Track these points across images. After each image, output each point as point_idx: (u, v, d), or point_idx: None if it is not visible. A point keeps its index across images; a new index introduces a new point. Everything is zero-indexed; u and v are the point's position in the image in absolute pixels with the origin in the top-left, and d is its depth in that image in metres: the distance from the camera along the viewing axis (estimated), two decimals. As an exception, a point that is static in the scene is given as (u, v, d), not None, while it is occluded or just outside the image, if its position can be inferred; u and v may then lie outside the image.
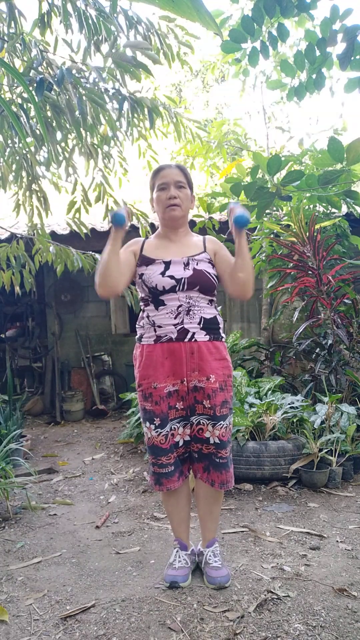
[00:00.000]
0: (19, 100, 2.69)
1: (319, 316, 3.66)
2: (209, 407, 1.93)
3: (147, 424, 1.98)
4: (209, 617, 1.76)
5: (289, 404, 3.35)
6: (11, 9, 2.65)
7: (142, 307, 2.03)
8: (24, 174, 3.36)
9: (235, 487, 3.07)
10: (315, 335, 3.98)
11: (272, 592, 1.90)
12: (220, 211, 4.30)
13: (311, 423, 3.19)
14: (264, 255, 4.34)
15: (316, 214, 4.07)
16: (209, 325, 1.96)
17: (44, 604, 1.92)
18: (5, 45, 2.58)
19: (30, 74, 2.46)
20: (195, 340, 1.92)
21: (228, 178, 3.59)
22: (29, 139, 2.99)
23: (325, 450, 3.10)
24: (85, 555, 2.34)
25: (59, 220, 5.80)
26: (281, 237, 3.99)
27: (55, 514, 2.87)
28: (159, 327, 1.93)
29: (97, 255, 3.93)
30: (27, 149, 3.18)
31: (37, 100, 2.08)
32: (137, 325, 2.06)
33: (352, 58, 2.39)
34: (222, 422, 1.94)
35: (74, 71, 2.53)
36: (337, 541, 2.34)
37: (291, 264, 3.80)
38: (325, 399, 3.26)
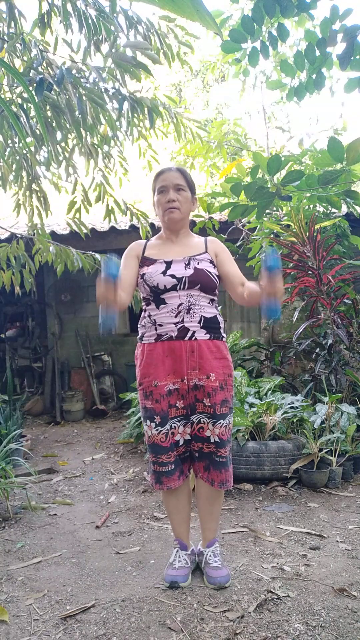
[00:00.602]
0: (19, 100, 2.69)
1: (319, 316, 3.66)
2: (209, 406, 1.93)
3: (148, 422, 1.98)
4: (209, 617, 1.76)
5: (289, 404, 3.35)
6: (11, 9, 2.65)
7: (143, 307, 2.04)
8: (24, 174, 3.36)
9: (235, 487, 3.07)
10: (315, 335, 3.98)
11: (272, 592, 1.90)
12: (220, 211, 4.29)
13: (311, 423, 3.19)
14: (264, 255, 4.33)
15: (316, 214, 4.07)
16: (210, 324, 1.96)
17: (44, 604, 1.92)
18: (5, 45, 2.58)
19: (30, 74, 2.46)
20: (196, 338, 1.93)
21: (228, 178, 3.59)
22: (29, 139, 2.99)
23: (325, 450, 3.10)
24: (85, 555, 2.34)
25: (59, 220, 5.80)
26: (281, 237, 3.99)
27: (55, 514, 2.87)
28: (160, 325, 1.94)
29: (97, 255, 3.93)
30: (27, 149, 3.18)
31: (37, 100, 2.08)
32: (138, 325, 2.07)
33: (352, 58, 2.39)
34: (221, 420, 1.95)
35: (74, 71, 2.53)
36: (337, 541, 2.34)
37: (291, 264, 3.80)
38: (325, 399, 3.26)
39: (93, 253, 3.96)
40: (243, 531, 2.49)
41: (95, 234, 5.49)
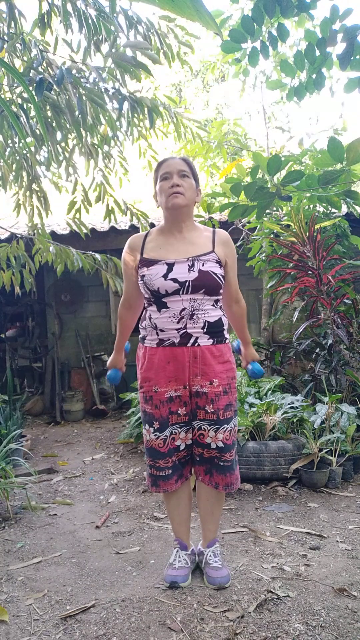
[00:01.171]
0: (19, 100, 2.69)
1: (319, 316, 3.66)
2: (212, 412, 1.89)
3: (147, 426, 1.97)
4: (209, 617, 1.76)
5: (289, 404, 3.35)
6: (11, 9, 2.65)
7: (145, 306, 1.99)
8: (24, 174, 3.36)
9: (235, 487, 3.07)
10: (315, 335, 3.98)
11: (272, 592, 1.90)
12: (220, 211, 4.29)
13: (311, 423, 3.19)
14: (264, 255, 4.34)
15: (316, 214, 4.07)
16: (213, 329, 1.90)
17: (44, 604, 1.92)
18: (5, 45, 2.58)
19: (30, 74, 2.46)
20: (199, 345, 1.87)
21: (228, 178, 3.59)
22: (29, 139, 2.99)
23: (325, 450, 3.10)
24: (85, 555, 2.34)
25: (59, 220, 5.80)
26: (281, 237, 3.99)
27: (55, 514, 2.87)
28: (162, 330, 1.88)
29: (97, 255, 3.93)
30: (27, 149, 3.18)
31: (37, 100, 2.08)
32: (140, 325, 2.03)
33: (352, 58, 2.39)
34: (225, 425, 1.91)
35: (74, 71, 2.53)
36: (337, 541, 2.34)
37: (291, 264, 3.80)
38: (325, 399, 3.26)
39: (93, 253, 3.96)
40: (243, 531, 2.49)
41: (95, 234, 5.49)
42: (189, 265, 1.85)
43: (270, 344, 5.16)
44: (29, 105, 2.73)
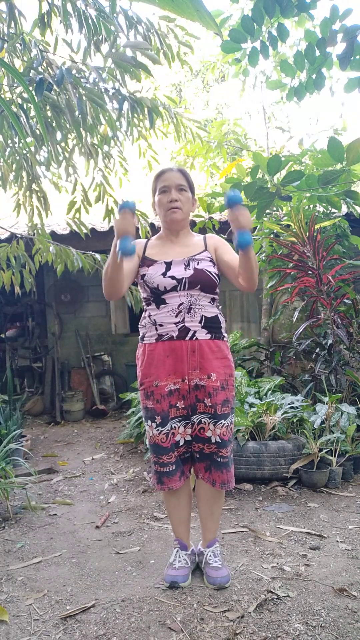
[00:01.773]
0: (19, 100, 2.69)
1: (319, 316, 3.66)
2: (210, 406, 1.93)
3: (149, 422, 1.98)
4: (209, 617, 1.76)
5: (289, 404, 3.35)
6: (11, 9, 2.64)
7: (144, 307, 2.04)
8: (24, 174, 3.36)
9: (235, 487, 3.07)
10: (315, 335, 3.98)
11: (272, 592, 1.90)
12: (220, 211, 4.30)
13: (311, 423, 3.19)
14: (264, 255, 4.34)
15: (316, 214, 4.08)
16: (210, 324, 1.96)
17: (44, 604, 1.92)
18: (5, 45, 2.58)
19: (30, 74, 2.46)
20: (197, 338, 1.93)
21: (228, 178, 3.59)
22: (29, 139, 2.99)
23: (325, 450, 3.10)
24: (85, 555, 2.34)
25: (59, 220, 5.80)
26: (281, 237, 3.99)
27: (55, 514, 2.87)
28: (160, 325, 1.94)
29: (97, 255, 3.93)
30: (27, 149, 3.18)
31: (37, 100, 2.08)
32: (139, 325, 2.07)
33: (352, 58, 2.39)
34: (223, 421, 1.94)
35: (73, 71, 2.53)
36: (337, 541, 2.34)
37: (291, 264, 3.79)
38: (325, 399, 3.26)
39: (93, 253, 3.96)
40: (243, 531, 2.49)
41: (95, 234, 5.48)
42: (185, 264, 1.95)
43: (270, 344, 5.16)
44: (29, 105, 2.72)
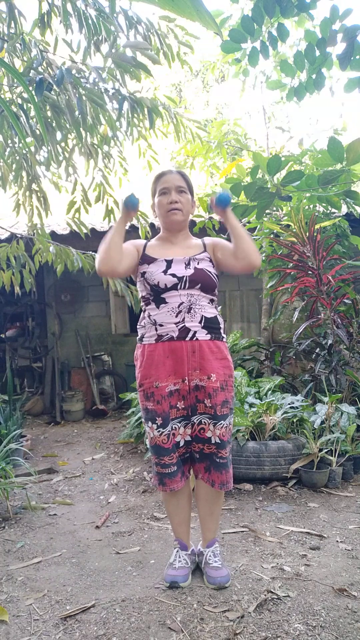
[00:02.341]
0: (19, 100, 2.69)
1: (319, 316, 3.66)
2: (210, 407, 1.93)
3: (149, 423, 1.98)
4: (209, 617, 1.76)
5: (289, 404, 3.35)
6: (11, 9, 2.65)
7: (143, 307, 2.04)
8: (24, 174, 3.36)
9: (235, 487, 3.07)
10: (315, 335, 3.98)
11: (272, 592, 1.90)
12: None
13: (311, 423, 3.19)
14: (264, 255, 4.34)
15: (316, 214, 4.08)
16: (210, 325, 1.96)
17: (44, 604, 1.92)
18: (5, 45, 2.58)
19: (30, 74, 2.46)
20: (197, 339, 1.93)
21: (228, 178, 3.59)
22: (29, 139, 2.99)
23: (325, 450, 3.10)
24: (85, 555, 2.34)
25: (59, 220, 5.80)
26: (281, 237, 3.99)
27: (55, 514, 2.87)
28: (160, 325, 1.94)
29: (97, 255, 3.92)
30: (27, 149, 3.18)
31: (37, 100, 2.08)
32: (138, 326, 2.07)
33: (352, 58, 2.39)
34: (222, 421, 1.95)
35: (73, 71, 2.52)
36: (337, 541, 2.34)
37: (291, 264, 3.80)
38: (325, 399, 3.26)
39: (93, 253, 3.96)
40: (243, 531, 2.49)
41: (95, 234, 5.48)
42: (185, 263, 1.97)
43: (270, 344, 5.16)
44: (29, 105, 2.72)
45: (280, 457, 3.09)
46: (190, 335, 1.92)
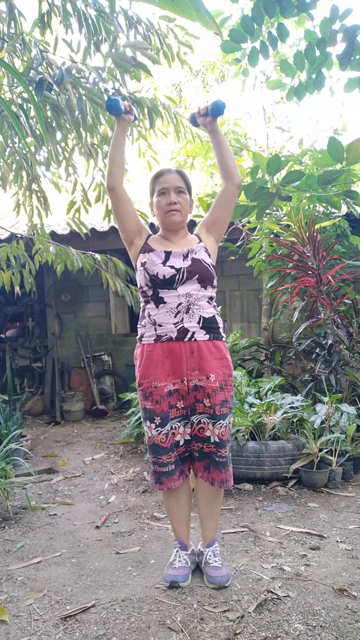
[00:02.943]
0: (19, 100, 2.69)
1: (319, 316, 3.66)
2: (209, 406, 1.94)
3: (148, 423, 1.98)
4: (209, 617, 1.76)
5: (289, 404, 3.35)
6: (11, 9, 2.65)
7: (142, 306, 2.04)
8: (24, 174, 3.36)
9: (235, 487, 3.07)
10: (315, 335, 3.98)
11: (272, 592, 1.90)
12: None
13: (311, 423, 3.19)
14: (264, 255, 4.34)
15: (316, 214, 4.07)
16: (209, 325, 1.97)
17: (44, 604, 1.92)
18: (5, 45, 2.58)
19: (30, 74, 2.46)
20: (195, 339, 1.93)
21: (228, 178, 3.58)
22: (29, 139, 2.99)
23: (325, 450, 3.10)
24: (85, 555, 2.34)
25: (59, 220, 5.80)
26: (281, 237, 3.99)
27: (55, 514, 2.87)
28: (160, 325, 1.94)
29: (97, 255, 3.93)
30: (27, 149, 3.18)
31: (37, 100, 2.08)
32: (138, 325, 2.08)
33: (352, 58, 2.39)
34: (221, 421, 1.95)
35: (73, 71, 2.53)
36: (337, 541, 2.34)
37: (291, 264, 3.79)
38: (325, 399, 3.26)
39: (93, 253, 3.96)
40: (243, 531, 2.49)
41: (95, 234, 5.49)
42: (183, 255, 1.99)
43: (270, 344, 5.16)
44: (29, 105, 2.73)
45: (280, 457, 3.09)
46: (188, 336, 1.93)
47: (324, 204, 3.38)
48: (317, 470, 3.03)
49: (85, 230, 3.73)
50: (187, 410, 1.98)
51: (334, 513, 2.68)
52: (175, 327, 1.92)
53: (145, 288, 2.00)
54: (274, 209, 4.24)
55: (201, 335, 1.94)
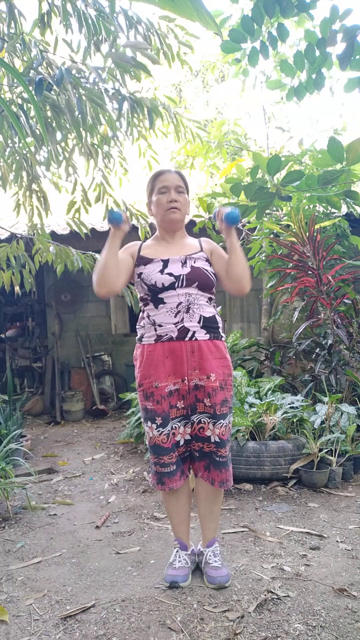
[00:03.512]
0: (19, 100, 2.69)
1: (319, 316, 3.66)
2: (210, 406, 1.94)
3: (149, 423, 1.98)
4: (209, 617, 1.76)
5: (289, 404, 3.35)
6: (11, 9, 2.64)
7: (142, 308, 2.04)
8: (24, 174, 3.36)
9: (235, 487, 3.07)
10: (315, 335, 3.98)
11: (272, 592, 1.90)
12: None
13: (311, 423, 3.19)
14: (264, 255, 4.34)
15: (316, 214, 4.07)
16: (209, 324, 1.97)
17: (44, 604, 1.92)
18: (5, 45, 2.58)
19: (30, 74, 2.46)
20: (196, 339, 1.93)
21: (228, 178, 3.59)
22: (29, 139, 2.99)
23: (325, 450, 3.10)
24: (85, 555, 2.34)
25: (59, 220, 5.80)
26: (281, 237, 3.99)
27: (55, 514, 2.87)
28: (160, 326, 1.94)
29: (97, 255, 3.93)
30: (27, 149, 3.18)
31: (36, 100, 2.08)
32: (137, 326, 2.08)
33: (352, 58, 2.39)
34: (222, 420, 1.95)
35: (73, 71, 2.52)
36: (337, 541, 2.34)
37: (291, 264, 3.79)
38: (325, 399, 3.26)
39: (93, 253, 3.96)
40: (243, 531, 2.49)
41: (95, 234, 5.48)
42: (182, 262, 1.97)
43: (270, 344, 5.16)
44: (29, 105, 2.72)
45: (280, 457, 3.09)
46: (189, 335, 1.93)
47: (324, 204, 3.38)
48: (317, 470, 3.03)
49: (85, 230, 3.72)
50: (187, 410, 1.98)
51: (334, 513, 2.68)
52: (176, 326, 1.92)
53: (144, 296, 2.00)
54: (274, 209, 4.24)
55: (202, 335, 1.94)
